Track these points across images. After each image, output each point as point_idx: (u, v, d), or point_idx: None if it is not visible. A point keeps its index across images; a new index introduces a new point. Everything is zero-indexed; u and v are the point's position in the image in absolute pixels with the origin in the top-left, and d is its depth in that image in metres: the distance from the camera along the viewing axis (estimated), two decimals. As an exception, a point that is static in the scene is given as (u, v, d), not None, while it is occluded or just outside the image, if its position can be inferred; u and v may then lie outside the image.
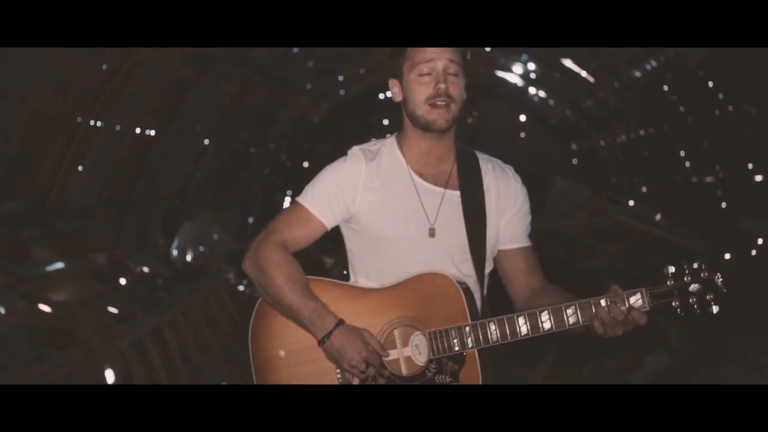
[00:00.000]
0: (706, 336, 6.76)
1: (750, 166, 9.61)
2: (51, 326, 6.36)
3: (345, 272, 2.94)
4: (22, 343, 5.80)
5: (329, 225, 2.78)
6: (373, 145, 2.84)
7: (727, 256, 8.59)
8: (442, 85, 2.68)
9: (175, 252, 11.41)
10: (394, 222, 2.73)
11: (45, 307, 6.60)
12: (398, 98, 2.80)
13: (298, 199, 2.80)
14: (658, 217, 11.11)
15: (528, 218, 2.85)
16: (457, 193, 2.78)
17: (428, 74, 2.70)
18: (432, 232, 2.73)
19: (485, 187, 2.80)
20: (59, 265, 7.64)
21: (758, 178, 9.50)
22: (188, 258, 11.66)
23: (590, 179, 15.41)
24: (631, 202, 12.67)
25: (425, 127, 2.72)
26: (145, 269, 9.57)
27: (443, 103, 2.68)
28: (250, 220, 14.99)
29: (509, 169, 2.88)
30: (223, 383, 7.13)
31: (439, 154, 2.78)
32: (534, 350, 6.96)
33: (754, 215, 9.38)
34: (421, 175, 2.78)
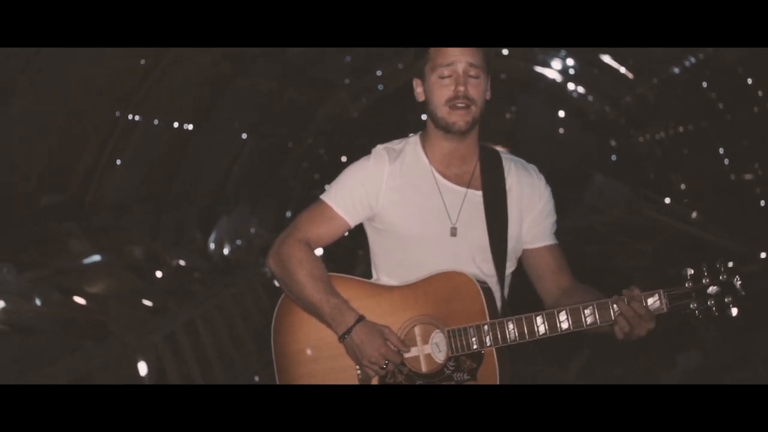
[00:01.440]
0: (740, 335, 6.70)
1: (790, 164, 9.52)
2: (86, 318, 6.46)
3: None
4: (57, 335, 5.89)
5: (352, 223, 2.82)
6: (397, 144, 2.87)
7: (763, 255, 8.49)
8: (461, 88, 2.71)
9: (212, 245, 11.52)
10: (417, 221, 2.76)
11: (80, 300, 6.70)
12: (421, 98, 2.84)
13: (322, 197, 2.84)
14: (694, 215, 11.02)
15: (553, 217, 2.87)
16: (480, 192, 2.80)
17: (449, 77, 2.72)
18: (454, 232, 2.76)
19: (507, 187, 2.82)
20: (96, 257, 7.74)
21: (798, 176, 9.41)
22: (225, 251, 11.76)
23: (629, 176, 15.31)
24: (668, 200, 12.57)
25: (446, 129, 2.75)
26: (182, 263, 9.67)
27: (463, 105, 2.71)
28: (288, 214, 15.06)
29: (532, 169, 2.90)
30: (256, 378, 7.19)
31: (461, 154, 2.81)
32: (566, 350, 6.94)
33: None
34: (443, 175, 2.80)
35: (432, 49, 2.76)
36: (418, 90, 2.83)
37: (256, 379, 7.30)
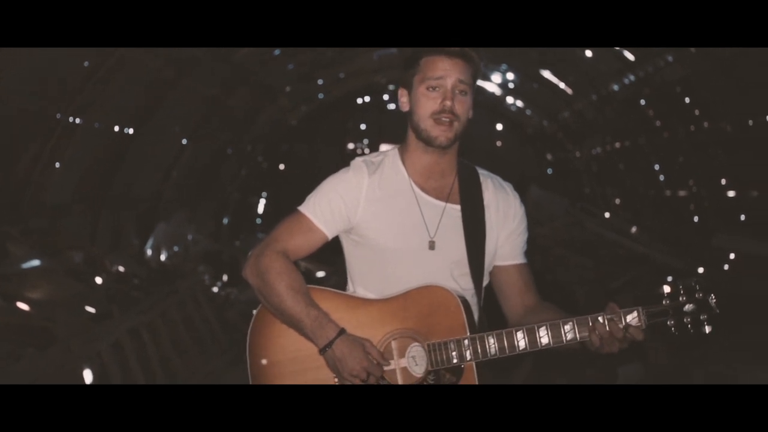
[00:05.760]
0: (682, 350, 6.85)
1: (723, 181, 9.74)
2: (28, 324, 6.33)
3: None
4: (1, 342, 5.77)
5: (330, 235, 2.80)
6: (375, 156, 2.87)
7: (701, 270, 8.70)
8: (448, 102, 2.71)
9: (149, 251, 11.38)
10: (395, 234, 2.76)
11: (22, 305, 6.56)
12: (405, 108, 2.83)
13: (300, 208, 2.81)
14: (633, 230, 11.23)
15: (525, 235, 2.90)
16: (458, 207, 2.81)
17: (437, 90, 2.73)
18: (432, 245, 2.76)
19: (485, 203, 2.84)
20: (35, 262, 7.59)
21: (731, 193, 9.63)
22: (162, 258, 11.63)
23: (564, 190, 15.54)
24: (607, 214, 12.80)
25: (427, 141, 2.76)
26: (121, 268, 9.53)
27: (447, 120, 2.72)
28: (225, 220, 14.96)
29: (508, 186, 2.92)
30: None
31: (441, 168, 2.82)
32: (510, 359, 7.01)
33: (726, 230, 9.50)
34: (422, 188, 2.81)
35: (423, 60, 2.76)
36: (403, 100, 2.83)
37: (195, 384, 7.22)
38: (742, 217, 9.38)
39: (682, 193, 11.04)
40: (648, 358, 6.92)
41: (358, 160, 2.85)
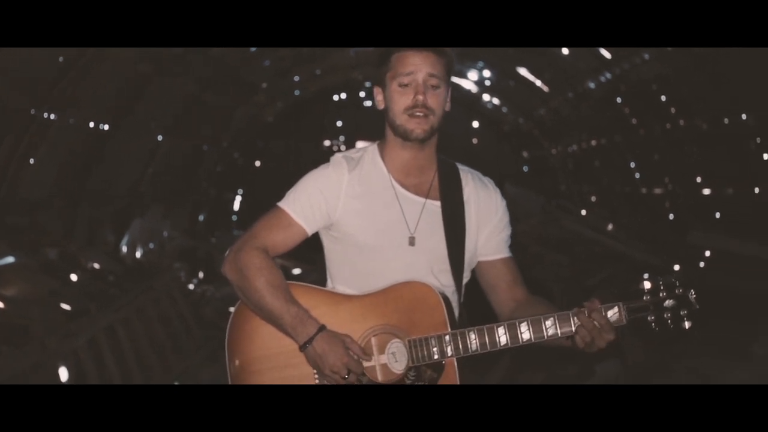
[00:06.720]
0: (659, 345, 6.88)
1: (698, 179, 9.81)
2: (3, 322, 6.27)
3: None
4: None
5: (310, 231, 2.79)
6: (355, 152, 2.86)
7: (677, 267, 8.75)
8: (420, 97, 2.71)
9: (124, 248, 11.30)
10: (375, 230, 2.75)
11: (-2, 303, 6.51)
12: (381, 107, 2.83)
13: (280, 204, 2.80)
14: (609, 227, 11.27)
15: (509, 230, 2.89)
16: (438, 203, 2.80)
17: (408, 85, 2.73)
18: (412, 241, 2.76)
19: (465, 199, 2.83)
20: (9, 259, 7.52)
21: (706, 191, 9.70)
22: (138, 254, 11.56)
23: (541, 187, 15.58)
24: (584, 212, 12.84)
25: (404, 136, 2.75)
26: (96, 265, 9.46)
27: (421, 114, 2.72)
28: (201, 217, 14.89)
29: (489, 182, 2.92)
30: (176, 383, 7.08)
31: (420, 164, 2.81)
32: (491, 355, 7.02)
33: (701, 228, 9.57)
34: (402, 184, 2.80)
35: (393, 57, 2.76)
36: (379, 98, 2.83)
37: (176, 384, 7.19)
38: (717, 215, 9.44)
39: (657, 190, 11.10)
40: (626, 355, 6.95)
41: (337, 155, 2.84)
